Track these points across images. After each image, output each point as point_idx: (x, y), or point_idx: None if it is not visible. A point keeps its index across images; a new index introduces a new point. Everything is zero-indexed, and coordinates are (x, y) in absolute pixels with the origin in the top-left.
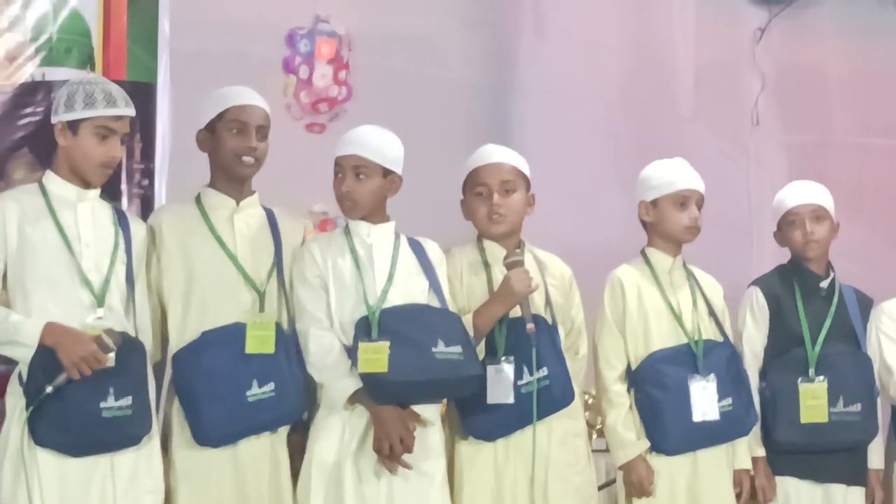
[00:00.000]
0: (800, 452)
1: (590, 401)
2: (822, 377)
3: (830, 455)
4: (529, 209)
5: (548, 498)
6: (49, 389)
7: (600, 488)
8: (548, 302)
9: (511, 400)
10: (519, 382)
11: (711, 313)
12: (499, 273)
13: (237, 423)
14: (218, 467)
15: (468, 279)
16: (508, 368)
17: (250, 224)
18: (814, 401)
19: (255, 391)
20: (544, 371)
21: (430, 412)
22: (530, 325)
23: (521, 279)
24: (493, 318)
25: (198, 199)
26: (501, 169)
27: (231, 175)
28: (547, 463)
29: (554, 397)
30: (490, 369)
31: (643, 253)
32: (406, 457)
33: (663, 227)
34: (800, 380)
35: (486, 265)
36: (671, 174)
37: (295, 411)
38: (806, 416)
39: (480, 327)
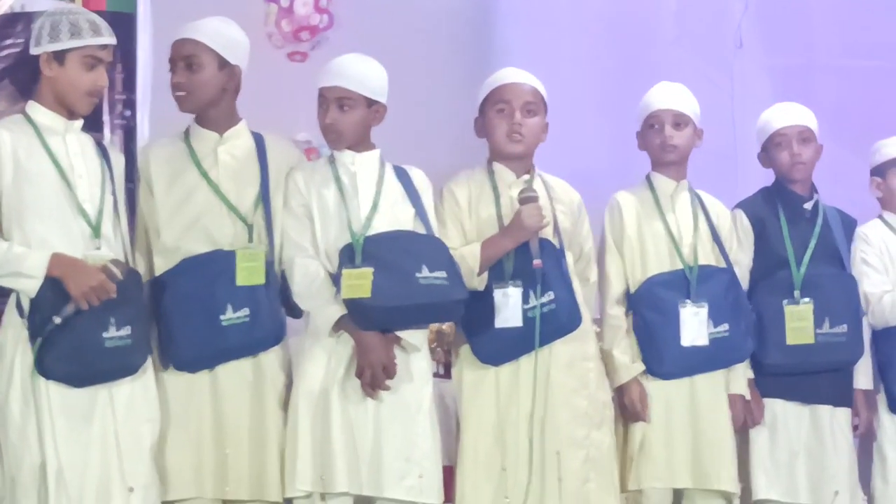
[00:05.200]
0: (786, 374)
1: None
2: (807, 299)
3: (817, 376)
4: (543, 135)
5: (554, 424)
6: (57, 321)
7: None
8: (555, 227)
9: (519, 323)
10: (525, 307)
11: (715, 238)
12: (507, 199)
13: (209, 346)
14: (197, 393)
15: (476, 203)
16: (515, 292)
17: (235, 155)
18: (800, 322)
19: (230, 315)
20: (550, 295)
21: (417, 338)
22: (537, 262)
23: (532, 214)
24: (502, 251)
25: (186, 133)
26: (526, 90)
27: None
28: (553, 389)
29: (560, 321)
30: (497, 293)
31: (647, 177)
32: (393, 382)
33: (647, 152)
34: (785, 302)
35: (495, 189)
36: (646, 99)
37: (269, 337)
38: (792, 338)
39: (487, 259)
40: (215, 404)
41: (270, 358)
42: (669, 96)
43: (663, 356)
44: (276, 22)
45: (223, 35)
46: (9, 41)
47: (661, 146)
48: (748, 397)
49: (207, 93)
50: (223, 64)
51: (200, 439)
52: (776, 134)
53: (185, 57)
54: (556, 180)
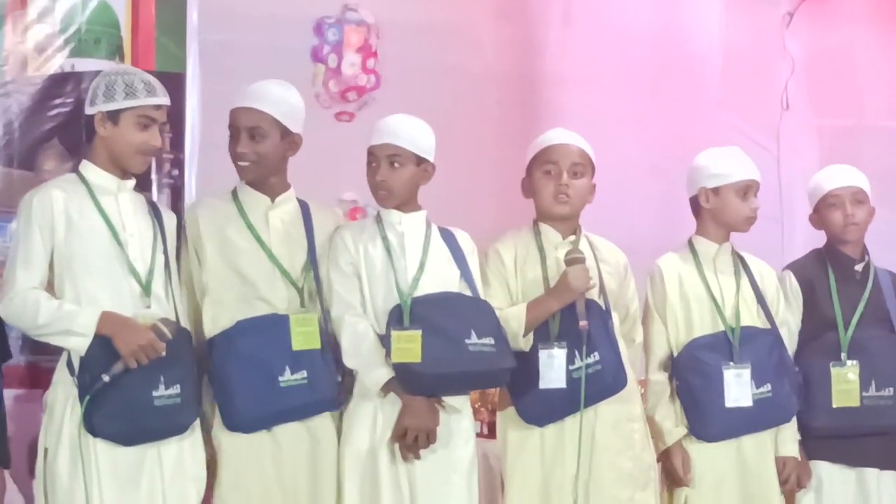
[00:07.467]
0: (832, 437)
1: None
2: (853, 361)
3: (863, 439)
4: (590, 197)
5: (598, 485)
6: (106, 379)
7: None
8: (601, 288)
9: (563, 385)
10: (570, 367)
11: (759, 298)
12: (553, 260)
13: (267, 408)
14: (257, 454)
15: (522, 264)
16: (560, 353)
17: (285, 220)
18: (845, 385)
19: (288, 377)
20: (595, 356)
21: (458, 400)
22: (583, 323)
23: (579, 276)
24: (548, 312)
25: (234, 194)
26: (573, 151)
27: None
28: (598, 450)
29: (606, 383)
30: (542, 353)
31: (689, 241)
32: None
33: (723, 215)
34: (831, 364)
35: (541, 250)
36: (734, 163)
37: (326, 401)
38: (838, 401)
39: (533, 320)
40: (276, 464)
41: (324, 423)
42: (753, 166)
43: (707, 418)
44: (323, 82)
45: (286, 103)
46: (58, 101)
47: (750, 219)
48: (799, 458)
49: (271, 162)
50: (285, 133)
51: (266, 498)
52: (829, 195)
53: (249, 128)
54: (602, 241)
